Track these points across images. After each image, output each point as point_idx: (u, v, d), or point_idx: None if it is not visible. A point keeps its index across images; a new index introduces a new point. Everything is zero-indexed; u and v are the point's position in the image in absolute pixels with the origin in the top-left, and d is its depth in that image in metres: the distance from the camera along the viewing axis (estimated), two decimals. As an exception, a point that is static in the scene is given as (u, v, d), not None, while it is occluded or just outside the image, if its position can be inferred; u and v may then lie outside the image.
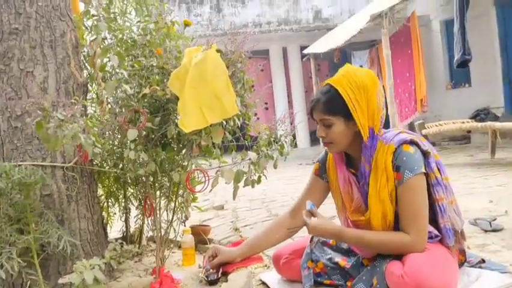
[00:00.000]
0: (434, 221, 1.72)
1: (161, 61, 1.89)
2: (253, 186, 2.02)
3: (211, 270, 2.01)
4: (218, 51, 1.83)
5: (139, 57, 1.94)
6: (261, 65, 11.28)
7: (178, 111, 1.76)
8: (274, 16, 10.82)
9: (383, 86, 8.92)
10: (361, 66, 9.89)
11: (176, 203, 2.18)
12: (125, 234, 2.45)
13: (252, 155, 1.96)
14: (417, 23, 7.89)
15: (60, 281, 1.69)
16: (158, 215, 2.03)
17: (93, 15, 2.03)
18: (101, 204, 2.33)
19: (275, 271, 2.07)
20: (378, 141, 1.72)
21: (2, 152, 1.86)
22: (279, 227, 2.03)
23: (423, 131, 5.87)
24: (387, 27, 6.89)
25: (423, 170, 1.67)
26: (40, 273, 1.72)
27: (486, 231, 2.54)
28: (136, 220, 2.46)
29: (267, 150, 2.00)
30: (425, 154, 1.71)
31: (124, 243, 2.13)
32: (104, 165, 2.14)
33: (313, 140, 10.70)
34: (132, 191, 2.38)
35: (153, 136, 1.87)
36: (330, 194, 1.98)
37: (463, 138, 8.58)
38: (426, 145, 1.73)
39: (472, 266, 1.91)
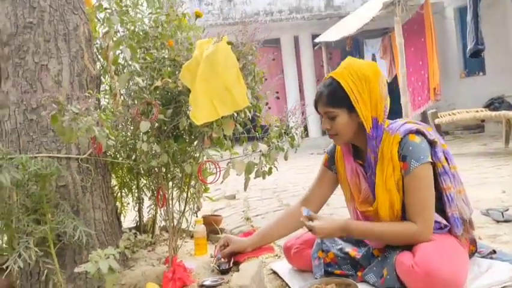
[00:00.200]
0: (441, 210, 1.72)
1: (173, 53, 1.90)
2: (264, 178, 2.04)
3: (222, 260, 2.04)
4: (229, 43, 1.84)
5: (151, 49, 1.96)
6: (272, 54, 11.17)
7: (190, 103, 1.77)
8: (285, 4, 10.71)
9: (396, 75, 8.81)
10: (373, 54, 9.80)
11: (189, 193, 2.21)
12: (138, 224, 2.48)
13: (262, 147, 1.98)
14: (431, 10, 7.74)
15: (76, 269, 1.72)
16: (170, 206, 2.06)
17: (105, 8, 2.05)
18: (115, 194, 2.36)
19: (286, 261, 2.09)
20: (384, 131, 1.73)
21: (19, 144, 1.89)
22: (290, 218, 2.04)
23: (436, 120, 5.80)
24: (400, 14, 6.81)
25: (430, 160, 1.67)
26: (57, 262, 1.76)
27: (498, 221, 2.53)
28: (149, 210, 2.50)
29: (278, 142, 2.02)
30: (432, 143, 1.71)
31: (138, 233, 2.16)
32: (118, 156, 2.17)
33: (325, 129, 10.64)
34: (145, 181, 2.41)
35: (165, 128, 1.89)
36: (339, 186, 1.99)
37: (476, 127, 8.49)
38: (432, 134, 1.73)
39: (483, 257, 1.90)
